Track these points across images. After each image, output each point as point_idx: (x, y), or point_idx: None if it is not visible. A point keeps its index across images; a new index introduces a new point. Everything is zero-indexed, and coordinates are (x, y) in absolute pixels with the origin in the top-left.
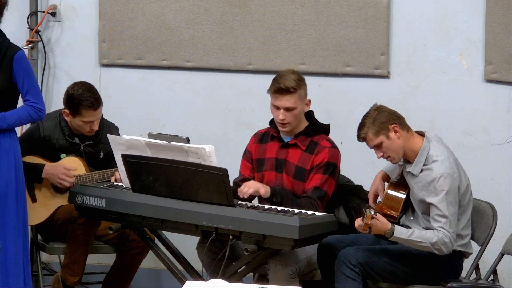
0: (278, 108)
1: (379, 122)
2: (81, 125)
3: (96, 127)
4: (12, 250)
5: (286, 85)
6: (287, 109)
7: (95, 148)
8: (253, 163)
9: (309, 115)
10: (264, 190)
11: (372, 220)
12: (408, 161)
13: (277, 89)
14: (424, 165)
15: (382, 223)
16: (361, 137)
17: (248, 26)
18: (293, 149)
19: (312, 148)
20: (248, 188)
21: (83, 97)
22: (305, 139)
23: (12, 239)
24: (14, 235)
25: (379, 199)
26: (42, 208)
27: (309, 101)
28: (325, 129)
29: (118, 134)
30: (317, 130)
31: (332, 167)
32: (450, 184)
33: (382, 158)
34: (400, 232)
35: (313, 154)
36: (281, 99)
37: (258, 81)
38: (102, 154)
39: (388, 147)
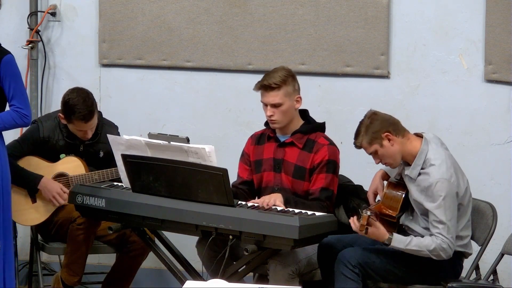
0: (266, 105)
1: (371, 132)
2: (74, 131)
3: (89, 135)
4: None
5: (269, 81)
6: (274, 106)
7: (95, 148)
8: (251, 164)
9: (304, 114)
10: (278, 202)
11: (371, 229)
12: (407, 163)
13: (261, 86)
14: (422, 168)
15: (379, 232)
16: (357, 146)
17: (248, 26)
18: (290, 148)
19: (310, 146)
20: (269, 200)
21: (76, 108)
22: (302, 137)
23: None
24: None
25: (378, 198)
26: (42, 208)
27: (300, 98)
28: (321, 127)
29: (118, 133)
30: (313, 128)
31: (333, 164)
32: (447, 189)
33: (380, 163)
34: (398, 241)
35: (312, 152)
36: (266, 95)
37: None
38: (101, 154)
39: (384, 155)
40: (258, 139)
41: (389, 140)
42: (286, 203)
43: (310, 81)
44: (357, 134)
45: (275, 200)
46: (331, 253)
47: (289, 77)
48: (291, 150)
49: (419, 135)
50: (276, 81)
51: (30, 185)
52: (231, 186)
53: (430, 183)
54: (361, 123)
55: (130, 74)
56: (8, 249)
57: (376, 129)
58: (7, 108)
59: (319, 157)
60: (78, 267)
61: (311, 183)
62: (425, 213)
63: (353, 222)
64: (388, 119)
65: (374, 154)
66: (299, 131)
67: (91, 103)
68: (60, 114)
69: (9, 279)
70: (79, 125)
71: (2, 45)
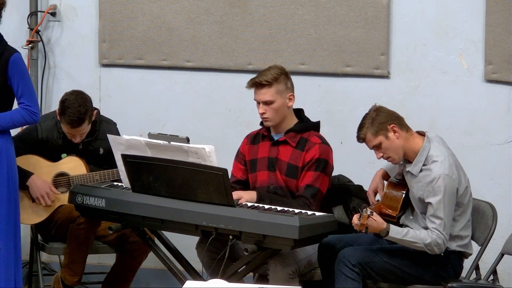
0: (258, 102)
1: (378, 123)
2: (64, 130)
3: (76, 140)
4: (3, 250)
5: (260, 79)
6: (266, 103)
7: (94, 145)
8: (247, 164)
9: (299, 113)
10: (247, 196)
11: (368, 220)
12: (408, 160)
13: (253, 84)
14: (423, 165)
15: (377, 222)
16: (360, 138)
17: (248, 26)
18: (284, 146)
19: (303, 144)
20: (237, 196)
21: (67, 111)
22: (295, 136)
23: (3, 239)
24: (5, 235)
25: (378, 197)
26: (42, 208)
27: (293, 96)
28: (315, 126)
29: (116, 129)
30: (306, 126)
31: (323, 163)
32: (448, 185)
33: (382, 158)
34: (395, 232)
35: (304, 151)
36: (258, 93)
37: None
38: (101, 150)
39: (387, 148)
40: (253, 138)
41: (394, 132)
42: (260, 199)
43: (310, 81)
44: (361, 126)
45: (240, 196)
46: (331, 253)
47: (281, 75)
48: (285, 149)
49: (421, 133)
50: (267, 79)
51: (19, 180)
52: None
53: (432, 178)
54: (366, 116)
55: (130, 74)
56: (18, 248)
57: (382, 120)
58: (15, 105)
59: (309, 155)
60: (78, 267)
61: (299, 180)
62: (425, 211)
63: (355, 221)
64: (393, 113)
65: (377, 148)
66: (293, 130)
67: (84, 111)
68: (57, 110)
69: (18, 280)
70: (67, 127)
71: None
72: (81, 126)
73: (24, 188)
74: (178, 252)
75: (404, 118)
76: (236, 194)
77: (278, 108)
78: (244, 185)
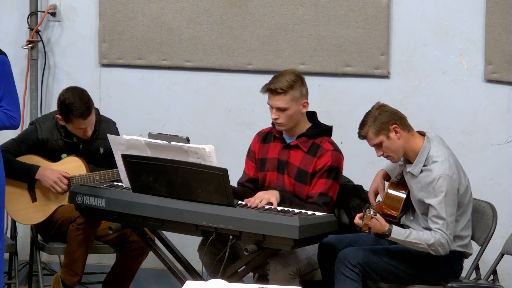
0: (272, 107)
1: (380, 122)
2: (74, 130)
3: (89, 132)
4: None
5: (275, 86)
6: (279, 109)
7: (94, 145)
8: (257, 162)
9: (312, 116)
10: (275, 199)
11: (372, 220)
12: (408, 161)
13: (267, 89)
14: (424, 165)
15: (380, 223)
16: (361, 135)
17: (248, 26)
18: (295, 150)
19: (315, 150)
20: (260, 200)
21: (73, 106)
22: (307, 141)
23: None
24: None
25: (379, 198)
26: (42, 208)
27: (307, 102)
28: (328, 131)
29: (116, 128)
30: (319, 132)
31: (335, 171)
32: (449, 185)
33: (382, 157)
34: (397, 233)
35: (315, 157)
36: (272, 98)
37: (258, 81)
38: (101, 150)
39: (388, 147)
40: (264, 137)
41: (396, 132)
42: (282, 201)
43: (310, 81)
44: (363, 124)
45: (269, 198)
46: (331, 253)
47: (297, 82)
48: (296, 153)
49: (421, 133)
50: (283, 86)
51: (27, 176)
52: (237, 184)
53: (432, 179)
54: (368, 113)
55: (130, 74)
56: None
57: (384, 120)
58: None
59: (321, 162)
60: (78, 267)
61: (310, 187)
62: (426, 211)
63: (357, 220)
64: (396, 112)
65: (378, 146)
66: (305, 135)
67: (87, 99)
68: (58, 116)
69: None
70: (78, 123)
71: (1, 46)
72: (91, 115)
73: (34, 182)
74: (178, 252)
75: (406, 118)
76: (265, 198)
77: (292, 115)
78: (257, 184)
